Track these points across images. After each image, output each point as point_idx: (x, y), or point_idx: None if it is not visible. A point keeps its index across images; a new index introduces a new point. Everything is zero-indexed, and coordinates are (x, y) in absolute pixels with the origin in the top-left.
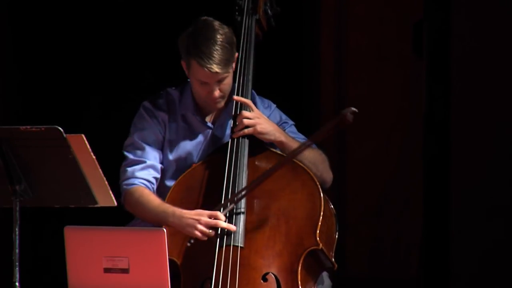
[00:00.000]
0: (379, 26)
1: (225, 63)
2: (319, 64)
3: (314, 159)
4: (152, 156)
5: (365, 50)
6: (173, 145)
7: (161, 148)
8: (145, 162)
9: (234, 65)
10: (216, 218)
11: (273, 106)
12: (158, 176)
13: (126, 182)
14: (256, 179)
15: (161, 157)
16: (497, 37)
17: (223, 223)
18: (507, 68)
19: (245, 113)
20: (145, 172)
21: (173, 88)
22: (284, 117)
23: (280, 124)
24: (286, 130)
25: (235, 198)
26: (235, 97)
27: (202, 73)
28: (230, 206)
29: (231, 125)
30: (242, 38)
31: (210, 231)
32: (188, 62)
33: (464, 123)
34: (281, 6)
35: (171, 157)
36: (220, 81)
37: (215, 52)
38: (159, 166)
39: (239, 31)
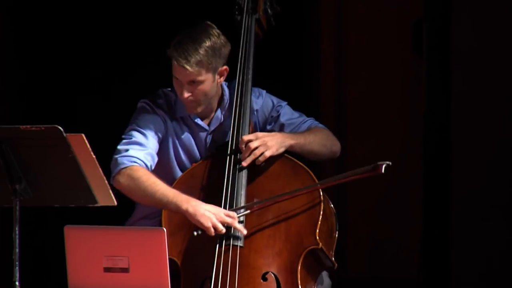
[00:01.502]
0: (379, 26)
1: (195, 62)
2: (319, 64)
3: (322, 140)
4: (152, 145)
5: (365, 50)
6: (176, 146)
7: (160, 143)
8: (147, 148)
9: (217, 77)
10: (234, 219)
11: (264, 92)
12: (153, 166)
13: (128, 158)
14: (280, 194)
15: (158, 149)
16: (497, 36)
17: (237, 224)
18: (507, 67)
19: (252, 143)
20: (148, 158)
21: (169, 89)
22: (276, 100)
23: (275, 108)
24: (282, 113)
25: (253, 206)
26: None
27: (174, 67)
28: (245, 212)
29: (230, 144)
30: (242, 37)
31: (222, 228)
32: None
33: (464, 123)
34: (281, 5)
35: (172, 158)
36: (191, 83)
37: (191, 49)
38: (156, 158)
39: (239, 30)
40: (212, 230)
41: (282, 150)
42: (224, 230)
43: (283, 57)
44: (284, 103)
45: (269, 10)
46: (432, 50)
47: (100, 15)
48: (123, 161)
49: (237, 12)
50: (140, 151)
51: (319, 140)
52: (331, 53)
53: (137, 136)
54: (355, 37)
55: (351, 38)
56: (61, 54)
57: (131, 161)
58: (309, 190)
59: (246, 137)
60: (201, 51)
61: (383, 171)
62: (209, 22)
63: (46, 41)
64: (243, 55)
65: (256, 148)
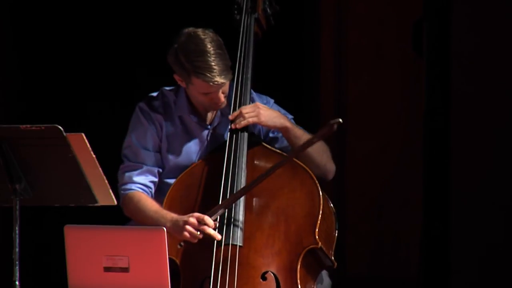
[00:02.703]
0: (379, 25)
1: (226, 70)
2: (319, 63)
3: (319, 148)
4: (149, 160)
5: (365, 49)
6: (172, 147)
7: (159, 150)
8: (141, 167)
9: None
10: (203, 221)
11: (271, 101)
12: (156, 179)
13: (124, 187)
14: (248, 184)
15: (159, 159)
16: (497, 36)
17: (209, 230)
18: (507, 67)
19: (244, 108)
20: (143, 177)
21: (168, 88)
22: (283, 111)
23: None
24: None
25: (226, 203)
26: (231, 116)
27: (207, 87)
28: (220, 211)
29: (229, 126)
30: (241, 37)
31: (198, 233)
32: (187, 79)
33: (464, 123)
34: (281, 4)
35: (170, 158)
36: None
37: (213, 64)
38: (156, 169)
39: (238, 30)
40: (189, 236)
41: (271, 124)
42: (200, 235)
43: (283, 56)
44: (290, 116)
45: (268, 10)
46: (432, 50)
47: (100, 14)
48: (120, 192)
49: (236, 12)
50: (135, 174)
51: (318, 148)
52: (331, 53)
53: (132, 156)
54: (355, 37)
55: (351, 38)
56: (61, 54)
57: (125, 191)
58: (281, 165)
59: (244, 109)
60: (219, 57)
61: (335, 129)
62: (187, 29)
63: (45, 41)
64: (242, 55)
65: (247, 113)
